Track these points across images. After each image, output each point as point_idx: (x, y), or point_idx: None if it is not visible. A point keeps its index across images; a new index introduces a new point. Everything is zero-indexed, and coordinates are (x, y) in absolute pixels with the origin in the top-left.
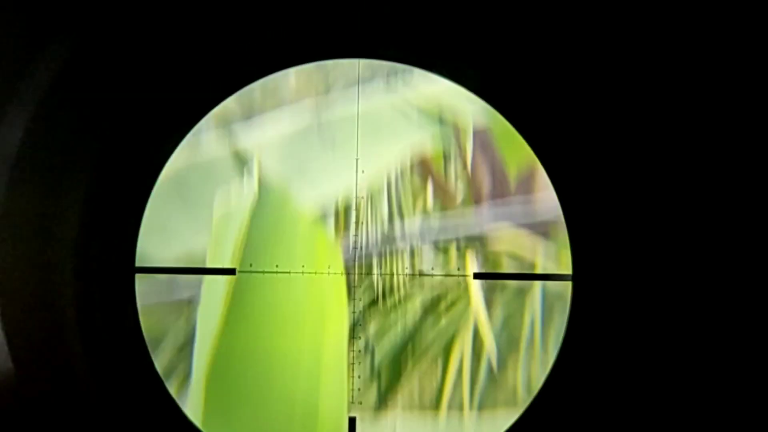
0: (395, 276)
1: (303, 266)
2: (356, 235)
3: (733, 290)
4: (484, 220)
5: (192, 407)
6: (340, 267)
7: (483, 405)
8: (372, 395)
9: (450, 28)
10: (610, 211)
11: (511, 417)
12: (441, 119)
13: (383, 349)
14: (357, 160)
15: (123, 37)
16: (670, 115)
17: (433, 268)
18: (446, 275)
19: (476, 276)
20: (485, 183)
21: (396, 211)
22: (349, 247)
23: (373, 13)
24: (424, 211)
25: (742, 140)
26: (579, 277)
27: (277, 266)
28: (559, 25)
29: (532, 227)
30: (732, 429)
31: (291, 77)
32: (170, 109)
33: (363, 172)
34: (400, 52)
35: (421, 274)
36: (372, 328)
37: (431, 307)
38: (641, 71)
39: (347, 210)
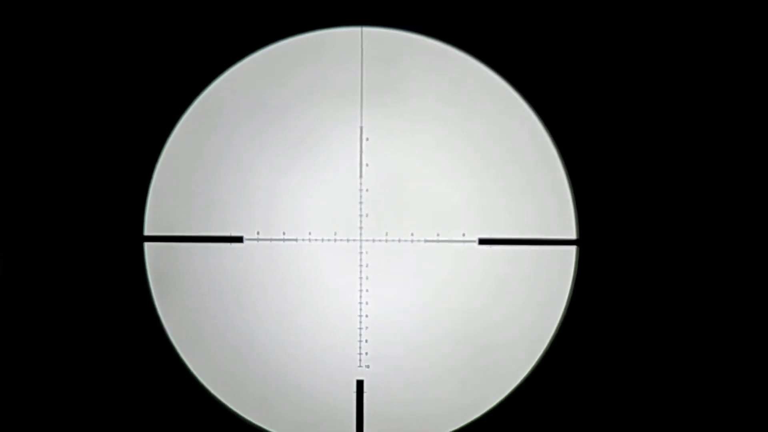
0: (402, 242)
1: (310, 233)
2: (362, 202)
3: (739, 263)
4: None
5: (203, 373)
6: (346, 234)
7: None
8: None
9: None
10: (616, 176)
11: (512, 384)
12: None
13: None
14: (361, 127)
15: (123, 9)
16: (679, 80)
17: (438, 234)
18: (452, 241)
19: (481, 242)
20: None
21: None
22: (355, 214)
23: None
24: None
25: (746, 119)
26: (585, 241)
27: (284, 233)
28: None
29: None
30: (732, 407)
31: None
32: (176, 78)
33: (368, 139)
34: (404, 19)
35: (427, 241)
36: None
37: (438, 273)
38: (646, 38)
39: (353, 178)
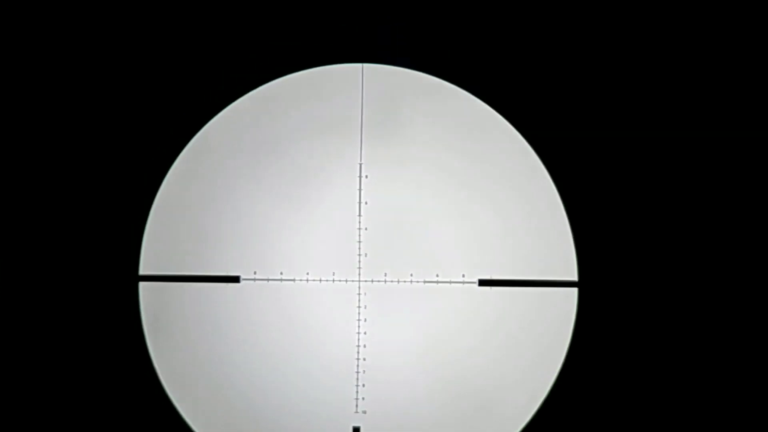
0: (401, 283)
1: (308, 273)
2: (361, 241)
3: (739, 295)
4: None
5: (195, 417)
6: (345, 274)
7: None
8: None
9: (455, 33)
10: (616, 216)
11: (517, 426)
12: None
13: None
14: (361, 165)
15: (126, 40)
16: (679, 119)
17: (438, 275)
18: (451, 282)
19: (481, 283)
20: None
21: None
22: (353, 253)
23: (377, 16)
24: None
25: (748, 138)
26: (585, 283)
27: (281, 273)
28: (567, 32)
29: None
30: None
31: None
32: (173, 116)
33: (367, 177)
34: (405, 56)
35: (426, 281)
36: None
37: (437, 314)
38: (647, 75)
39: (352, 216)
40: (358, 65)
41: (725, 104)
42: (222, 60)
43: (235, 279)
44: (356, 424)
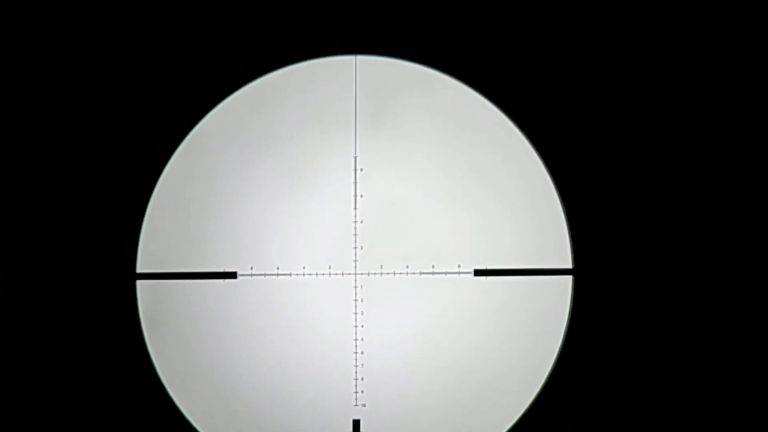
0: (397, 275)
1: (304, 267)
2: (356, 234)
3: (732, 283)
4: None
5: (194, 413)
6: (341, 267)
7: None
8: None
9: (449, 25)
10: (611, 204)
11: (515, 415)
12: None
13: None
14: (356, 158)
15: (121, 37)
16: (672, 108)
17: (434, 266)
18: (447, 273)
19: (477, 273)
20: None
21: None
22: (349, 246)
23: (370, 9)
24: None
25: (743, 132)
26: (580, 271)
27: (278, 268)
28: (559, 21)
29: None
30: (731, 428)
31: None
32: (169, 110)
33: (362, 170)
34: (398, 48)
35: (423, 273)
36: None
37: (434, 305)
38: (643, 64)
39: (347, 209)
40: (352, 57)
41: (723, 95)
42: (216, 55)
43: (232, 275)
44: (356, 417)
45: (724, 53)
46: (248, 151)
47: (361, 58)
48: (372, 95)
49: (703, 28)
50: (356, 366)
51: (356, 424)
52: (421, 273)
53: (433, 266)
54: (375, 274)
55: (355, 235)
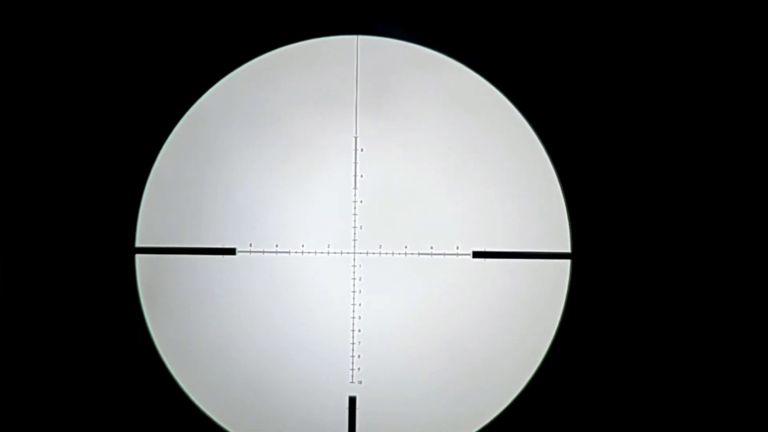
0: (395, 255)
1: (303, 246)
2: (356, 214)
3: (730, 270)
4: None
5: (193, 388)
6: (340, 246)
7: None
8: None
9: (451, 5)
10: (610, 189)
11: (511, 395)
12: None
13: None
14: (356, 138)
15: (120, 14)
16: (672, 93)
17: (432, 247)
18: (446, 254)
19: (475, 255)
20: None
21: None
22: (349, 226)
23: None
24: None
25: (741, 123)
26: (578, 255)
27: (277, 246)
28: (560, 4)
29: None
30: (727, 417)
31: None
32: (169, 86)
33: (362, 150)
34: (400, 28)
35: (421, 254)
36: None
37: (432, 286)
38: (644, 50)
39: (347, 189)
40: (353, 37)
41: (721, 82)
42: (217, 33)
43: (231, 251)
44: (352, 394)
45: (723, 51)
46: (249, 128)
47: (362, 38)
48: (373, 76)
49: (703, 27)
50: (353, 344)
51: (352, 401)
52: (419, 254)
53: (431, 247)
54: (374, 253)
55: (355, 214)
